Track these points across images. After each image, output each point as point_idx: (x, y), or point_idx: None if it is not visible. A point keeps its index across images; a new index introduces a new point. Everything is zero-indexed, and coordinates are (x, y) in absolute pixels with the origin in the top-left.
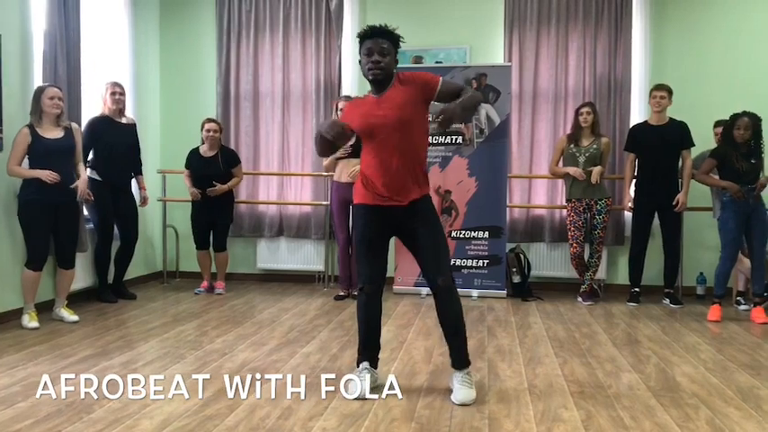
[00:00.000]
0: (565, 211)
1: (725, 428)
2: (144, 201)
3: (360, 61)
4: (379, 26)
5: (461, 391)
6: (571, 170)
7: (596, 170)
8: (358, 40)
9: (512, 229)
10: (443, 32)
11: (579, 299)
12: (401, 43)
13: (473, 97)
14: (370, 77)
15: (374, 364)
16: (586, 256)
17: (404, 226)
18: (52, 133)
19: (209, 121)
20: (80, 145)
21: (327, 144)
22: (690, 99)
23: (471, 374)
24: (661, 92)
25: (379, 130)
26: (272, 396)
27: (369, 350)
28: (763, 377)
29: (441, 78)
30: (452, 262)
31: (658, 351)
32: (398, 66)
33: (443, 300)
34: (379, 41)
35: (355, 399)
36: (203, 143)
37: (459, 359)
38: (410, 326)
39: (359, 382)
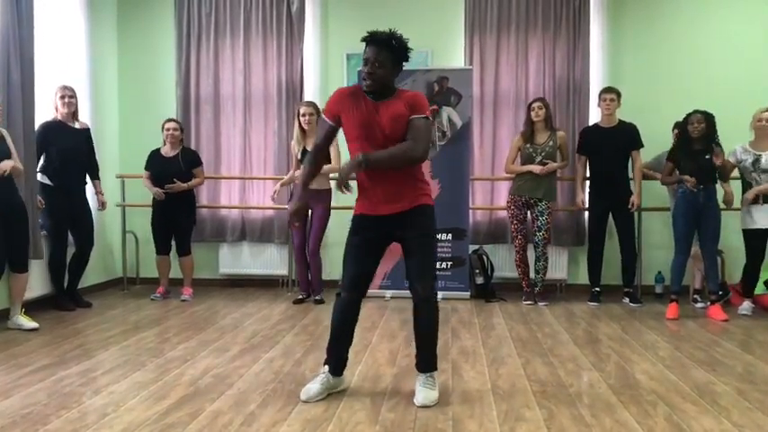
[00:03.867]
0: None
1: (682, 424)
2: (102, 205)
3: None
4: (382, 34)
5: (422, 392)
6: (535, 168)
7: (552, 165)
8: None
9: (474, 230)
10: (405, 36)
11: (537, 301)
12: (406, 50)
13: (398, 150)
14: (364, 88)
15: (336, 371)
16: (533, 260)
17: (395, 234)
18: None
19: (170, 120)
20: (12, 150)
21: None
22: (645, 101)
23: (435, 377)
24: (610, 95)
25: (373, 137)
26: (235, 402)
27: (332, 356)
28: (719, 373)
29: (424, 116)
30: None
31: (618, 349)
32: (360, 70)
33: (420, 309)
34: (377, 51)
35: (304, 401)
36: (164, 144)
37: (424, 364)
38: (375, 328)
39: (310, 385)
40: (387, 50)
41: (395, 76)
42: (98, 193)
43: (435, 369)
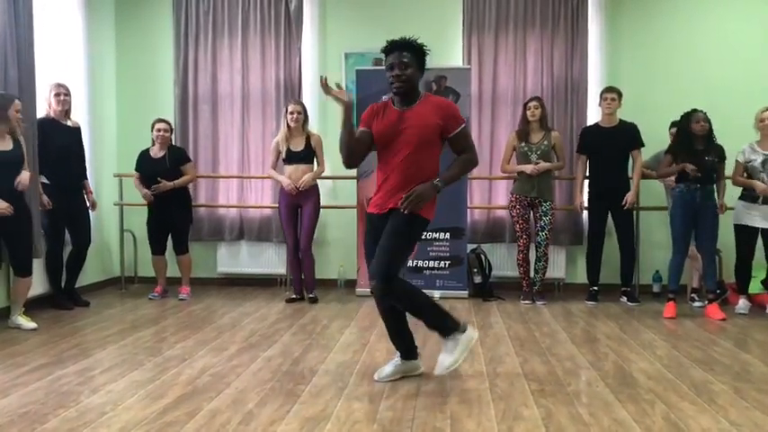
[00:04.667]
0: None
1: (680, 423)
2: (93, 205)
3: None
4: (400, 39)
5: (440, 357)
6: (528, 168)
7: (542, 165)
8: (383, 54)
9: (473, 230)
10: (403, 34)
11: (535, 300)
12: (425, 53)
13: (464, 166)
14: (394, 90)
15: (407, 356)
16: (533, 259)
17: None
18: (3, 144)
19: (160, 120)
20: (26, 157)
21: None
22: (643, 100)
23: (456, 340)
24: (611, 94)
25: (395, 144)
26: (233, 401)
27: (395, 344)
28: (716, 372)
29: (464, 125)
30: (414, 263)
31: (616, 348)
32: (360, 68)
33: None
34: (400, 55)
35: (376, 380)
36: (154, 144)
37: (439, 331)
38: (372, 328)
39: (384, 366)
40: (410, 51)
41: (419, 78)
42: (88, 192)
43: (448, 334)
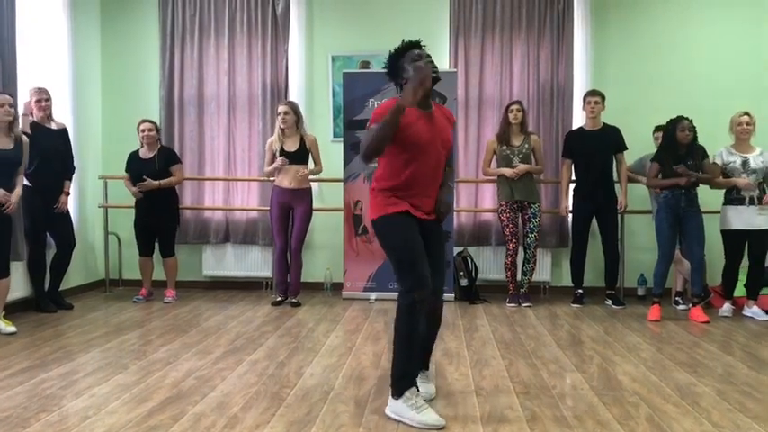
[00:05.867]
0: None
1: (663, 425)
2: (62, 205)
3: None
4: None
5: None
6: (507, 171)
7: (522, 167)
8: (392, 52)
9: (459, 233)
10: (389, 38)
11: (521, 302)
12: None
13: (452, 175)
14: (433, 75)
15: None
16: (520, 261)
17: (426, 238)
18: (2, 143)
19: (144, 121)
20: (26, 159)
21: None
22: (628, 104)
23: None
24: (595, 97)
25: (429, 148)
26: (218, 405)
27: (416, 362)
28: (700, 374)
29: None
30: None
31: (601, 351)
32: (346, 71)
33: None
34: (426, 55)
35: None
36: (142, 146)
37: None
38: (359, 331)
39: (432, 414)
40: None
41: None
42: (64, 192)
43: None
